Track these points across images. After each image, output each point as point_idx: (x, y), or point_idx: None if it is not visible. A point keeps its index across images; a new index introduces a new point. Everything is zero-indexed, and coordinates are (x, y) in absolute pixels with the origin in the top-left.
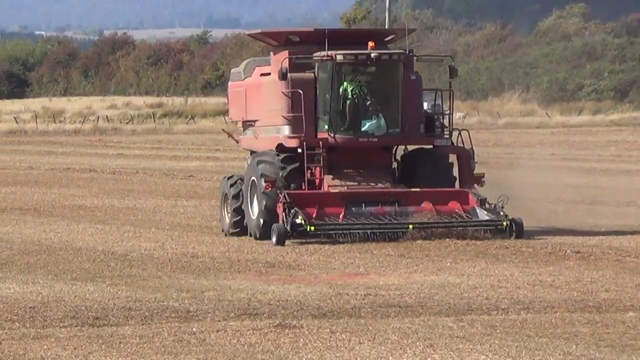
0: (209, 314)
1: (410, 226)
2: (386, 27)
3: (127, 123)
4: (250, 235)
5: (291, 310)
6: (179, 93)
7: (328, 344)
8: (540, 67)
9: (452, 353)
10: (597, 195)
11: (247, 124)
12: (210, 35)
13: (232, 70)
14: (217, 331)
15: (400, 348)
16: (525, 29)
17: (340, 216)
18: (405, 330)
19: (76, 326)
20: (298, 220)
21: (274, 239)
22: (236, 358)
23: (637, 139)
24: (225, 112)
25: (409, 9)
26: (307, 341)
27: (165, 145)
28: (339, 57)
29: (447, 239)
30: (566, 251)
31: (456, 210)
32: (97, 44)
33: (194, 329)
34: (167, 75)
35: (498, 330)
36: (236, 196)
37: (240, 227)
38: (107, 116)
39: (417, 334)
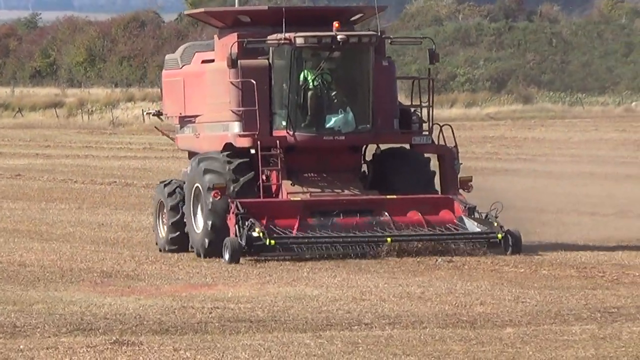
0: (38, 329)
1: (389, 239)
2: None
3: None
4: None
5: (130, 325)
6: (5, 83)
7: None
8: (408, 54)
9: None
10: (471, 197)
11: (186, 120)
12: (40, 18)
13: (167, 57)
14: (47, 348)
15: None
16: (390, 12)
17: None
18: (256, 347)
19: None
20: (255, 234)
21: (226, 256)
22: None
23: (516, 135)
24: (59, 105)
25: None
26: (148, 359)
27: None
28: (299, 40)
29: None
30: (437, 260)
31: (449, 221)
32: None
33: (21, 346)
34: None
35: (360, 348)
36: (175, 208)
37: (179, 245)
38: None
39: (270, 351)
